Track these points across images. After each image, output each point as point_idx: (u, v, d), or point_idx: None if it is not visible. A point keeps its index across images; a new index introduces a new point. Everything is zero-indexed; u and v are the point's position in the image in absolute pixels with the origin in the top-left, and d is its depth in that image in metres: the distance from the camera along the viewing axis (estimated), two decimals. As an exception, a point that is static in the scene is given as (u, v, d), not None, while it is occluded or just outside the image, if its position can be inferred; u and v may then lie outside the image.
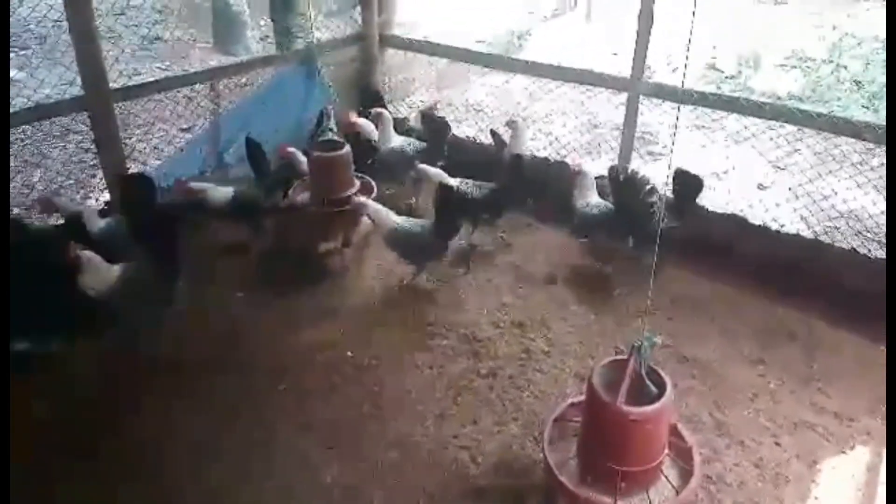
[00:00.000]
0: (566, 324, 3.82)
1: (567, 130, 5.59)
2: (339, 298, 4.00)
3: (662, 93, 4.30)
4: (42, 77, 5.14)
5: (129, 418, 3.15)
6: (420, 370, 3.47)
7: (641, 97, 4.27)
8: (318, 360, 3.52)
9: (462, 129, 5.77)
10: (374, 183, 4.49)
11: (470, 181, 4.36)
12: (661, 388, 2.30)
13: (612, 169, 4.10)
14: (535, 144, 5.32)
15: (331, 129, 4.49)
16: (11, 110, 3.56)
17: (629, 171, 4.01)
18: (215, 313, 3.88)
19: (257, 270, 4.27)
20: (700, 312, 3.90)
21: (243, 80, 4.95)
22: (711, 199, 4.70)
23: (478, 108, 6.55)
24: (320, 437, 3.07)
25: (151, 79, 4.57)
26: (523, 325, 3.79)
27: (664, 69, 7.41)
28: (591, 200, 4.20)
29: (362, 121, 4.86)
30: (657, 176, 3.93)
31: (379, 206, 3.98)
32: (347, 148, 4.16)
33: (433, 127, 4.82)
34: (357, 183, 4.33)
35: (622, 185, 3.93)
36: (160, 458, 2.97)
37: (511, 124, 4.72)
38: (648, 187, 3.79)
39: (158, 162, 4.89)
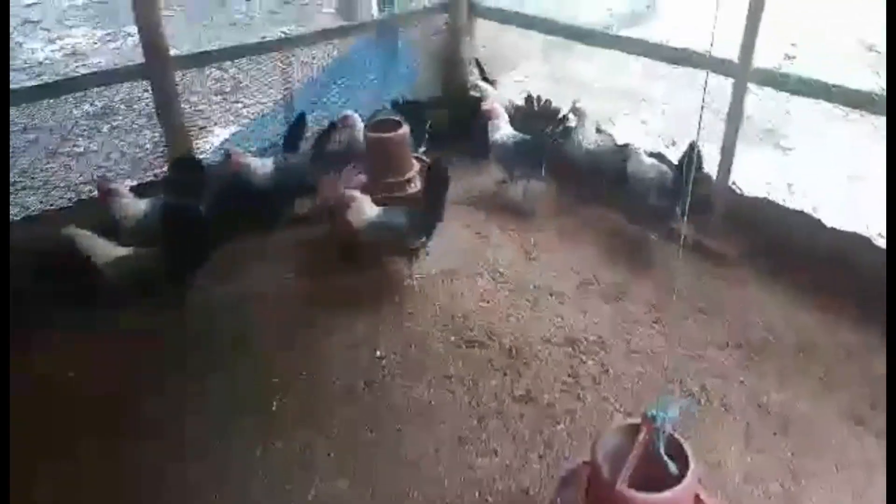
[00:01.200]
0: (628, 347, 3.31)
1: (660, 113, 4.91)
2: (380, 290, 3.75)
3: (773, 81, 3.60)
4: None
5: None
6: (449, 381, 3.16)
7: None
8: (343, 357, 3.31)
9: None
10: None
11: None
12: (683, 466, 1.82)
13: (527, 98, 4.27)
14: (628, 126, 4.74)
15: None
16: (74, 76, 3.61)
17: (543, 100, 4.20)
18: (256, 297, 3.77)
19: (306, 252, 4.12)
20: (794, 348, 3.26)
21: (321, 51, 4.75)
22: (836, 207, 3.94)
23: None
24: (329, 445, 2.86)
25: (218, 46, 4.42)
26: (576, 343, 3.34)
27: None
28: (506, 131, 4.26)
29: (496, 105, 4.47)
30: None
31: (363, 199, 3.60)
32: (405, 128, 3.85)
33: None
34: (416, 165, 4.02)
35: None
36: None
37: (576, 111, 4.25)
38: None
39: (224, 135, 4.86)
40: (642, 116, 5.52)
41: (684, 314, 3.49)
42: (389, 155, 3.86)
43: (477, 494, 2.62)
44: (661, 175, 3.87)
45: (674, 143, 4.77)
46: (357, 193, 3.60)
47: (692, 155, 3.54)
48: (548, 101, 4.25)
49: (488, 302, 3.64)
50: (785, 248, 3.74)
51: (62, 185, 4.17)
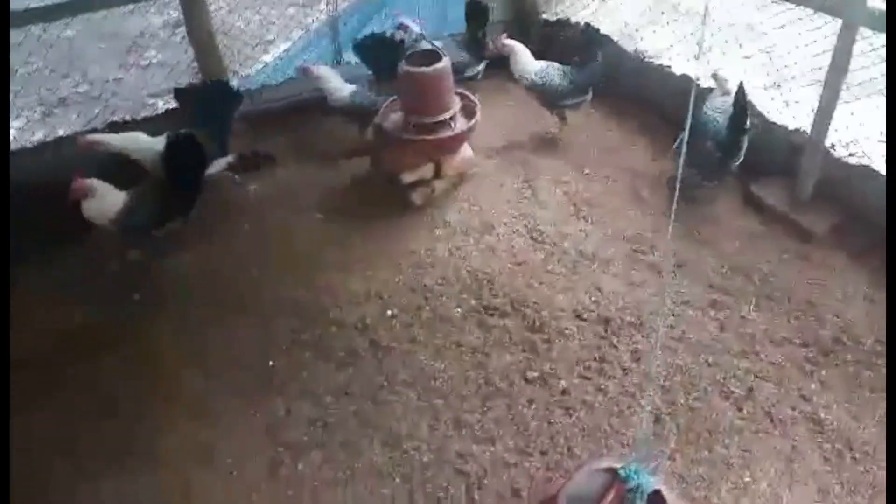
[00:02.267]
0: (671, 332, 2.88)
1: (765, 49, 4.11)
2: (405, 241, 3.47)
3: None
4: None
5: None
6: (460, 352, 2.89)
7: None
8: (352, 315, 3.10)
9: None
10: (477, 104, 3.72)
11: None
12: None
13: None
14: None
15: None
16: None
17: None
18: (282, 232, 3.61)
19: (342, 192, 3.88)
20: (870, 356, 2.70)
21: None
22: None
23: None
24: (314, 412, 2.68)
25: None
26: (610, 322, 2.94)
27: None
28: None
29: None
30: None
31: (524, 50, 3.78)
32: (445, 61, 3.41)
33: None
34: (457, 103, 3.60)
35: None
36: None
37: (715, 77, 3.61)
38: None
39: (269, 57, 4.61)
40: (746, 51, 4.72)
41: (748, 299, 3.00)
42: (424, 91, 3.46)
43: (463, 489, 2.39)
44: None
45: (776, 85, 4.03)
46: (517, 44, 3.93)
47: (741, 98, 3.09)
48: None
49: (520, 264, 3.28)
50: (884, 229, 3.09)
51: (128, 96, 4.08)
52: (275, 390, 2.78)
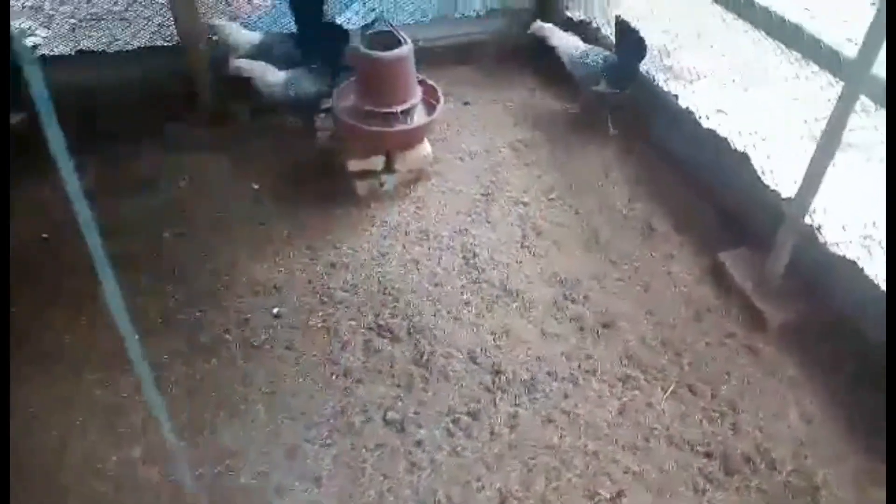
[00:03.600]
0: (564, 403, 2.53)
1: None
2: (332, 234, 3.23)
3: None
4: None
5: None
6: (332, 372, 2.63)
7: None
8: (239, 303, 2.89)
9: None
10: (440, 92, 3.39)
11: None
12: None
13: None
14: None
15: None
16: None
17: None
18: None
19: (290, 165, 3.65)
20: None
21: None
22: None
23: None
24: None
25: None
26: (501, 374, 2.61)
27: None
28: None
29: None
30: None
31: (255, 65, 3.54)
32: (406, 47, 3.07)
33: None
34: (418, 92, 3.27)
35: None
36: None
37: None
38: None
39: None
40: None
41: (665, 383, 2.59)
42: (379, 78, 3.14)
43: (261, 527, 2.19)
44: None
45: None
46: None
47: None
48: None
49: (437, 286, 2.97)
50: (849, 338, 2.61)
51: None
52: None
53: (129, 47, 4.04)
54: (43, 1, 4.80)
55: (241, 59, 3.55)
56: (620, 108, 3.81)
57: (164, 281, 2.98)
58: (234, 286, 2.97)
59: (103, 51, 4.02)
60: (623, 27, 3.54)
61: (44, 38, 4.77)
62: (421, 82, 3.36)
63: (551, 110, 4.09)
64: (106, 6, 5.52)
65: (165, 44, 4.00)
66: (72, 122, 1.50)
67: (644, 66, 3.66)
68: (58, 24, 4.62)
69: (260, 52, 3.65)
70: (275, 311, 2.87)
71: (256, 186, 3.52)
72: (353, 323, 2.82)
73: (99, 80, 3.74)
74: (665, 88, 3.67)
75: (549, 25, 3.98)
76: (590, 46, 3.83)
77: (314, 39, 3.65)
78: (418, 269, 3.07)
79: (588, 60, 3.72)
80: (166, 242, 3.19)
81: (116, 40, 4.16)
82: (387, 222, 3.31)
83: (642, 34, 3.47)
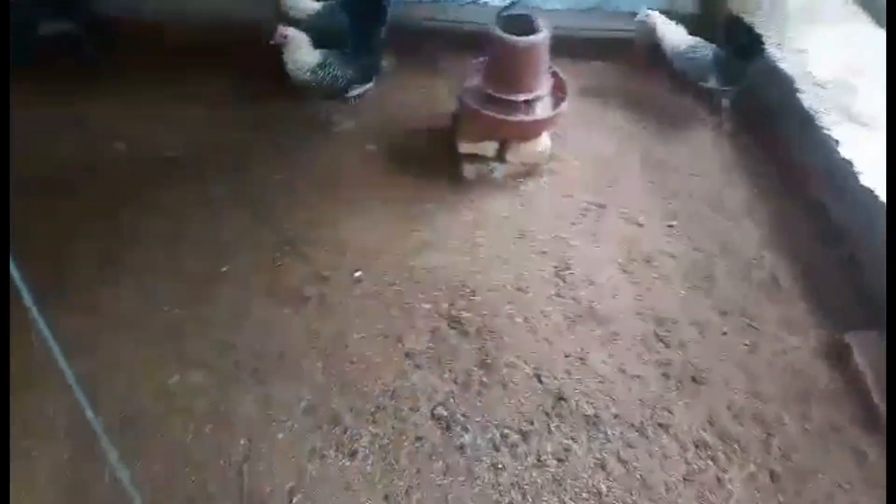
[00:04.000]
0: (623, 454, 2.31)
1: None
2: (432, 213, 3.14)
3: None
4: None
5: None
6: (397, 348, 2.57)
7: None
8: (330, 261, 2.89)
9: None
10: (568, 87, 3.20)
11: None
12: None
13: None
14: None
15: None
16: None
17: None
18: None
19: (405, 134, 3.59)
20: None
21: None
22: None
23: None
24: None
25: None
26: (564, 402, 2.42)
27: None
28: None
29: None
30: None
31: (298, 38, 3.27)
32: (542, 35, 2.87)
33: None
34: (547, 83, 3.07)
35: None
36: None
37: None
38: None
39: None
40: None
41: (744, 462, 2.30)
42: (507, 64, 2.97)
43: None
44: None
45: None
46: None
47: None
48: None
49: (520, 291, 2.81)
50: None
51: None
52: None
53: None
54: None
55: (289, 28, 3.26)
56: (734, 104, 3.62)
57: (253, 219, 3.05)
58: (322, 241, 2.97)
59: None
60: (733, 23, 3.44)
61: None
62: (552, 74, 3.16)
63: (690, 119, 3.75)
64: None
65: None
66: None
67: (808, 99, 3.25)
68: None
69: (318, 23, 3.52)
70: (356, 274, 2.83)
71: (372, 147, 3.50)
72: (427, 307, 2.73)
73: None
74: (826, 129, 3.22)
75: (656, 14, 3.70)
76: (697, 39, 3.61)
77: (359, 16, 3.49)
78: (505, 267, 2.92)
79: (695, 55, 3.53)
80: (272, 183, 3.25)
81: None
82: (485, 212, 3.18)
83: (757, 31, 3.31)
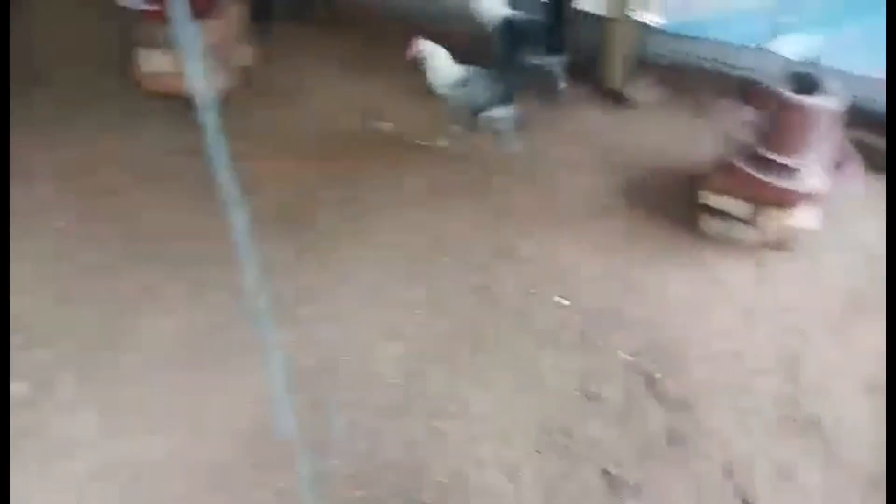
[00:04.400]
0: None
1: None
2: (657, 260, 2.95)
3: None
4: None
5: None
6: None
7: None
8: (542, 296, 2.85)
9: None
10: (857, 165, 2.77)
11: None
12: None
13: None
14: None
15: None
16: None
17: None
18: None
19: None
20: None
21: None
22: None
23: None
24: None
25: None
26: None
27: None
28: None
29: None
30: None
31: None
32: (828, 99, 2.51)
33: None
34: (827, 152, 2.69)
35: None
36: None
37: None
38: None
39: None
40: None
41: None
42: (780, 121, 2.65)
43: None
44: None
45: None
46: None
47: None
48: None
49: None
50: None
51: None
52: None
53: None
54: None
55: (426, 42, 3.16)
56: None
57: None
58: (534, 259, 2.95)
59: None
60: None
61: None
62: (839, 144, 2.76)
63: None
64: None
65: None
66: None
67: None
68: None
69: (508, 29, 3.39)
70: (564, 301, 2.76)
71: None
72: (627, 358, 2.56)
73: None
74: None
75: None
76: None
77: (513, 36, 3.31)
78: (724, 341, 2.63)
79: None
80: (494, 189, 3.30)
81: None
82: (718, 274, 2.90)
83: None
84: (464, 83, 3.22)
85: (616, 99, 3.78)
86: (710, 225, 3.02)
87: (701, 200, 3.02)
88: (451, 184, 3.31)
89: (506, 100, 3.31)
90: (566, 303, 2.75)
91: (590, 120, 3.72)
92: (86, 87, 3.79)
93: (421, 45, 3.16)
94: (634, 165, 3.43)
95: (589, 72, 3.83)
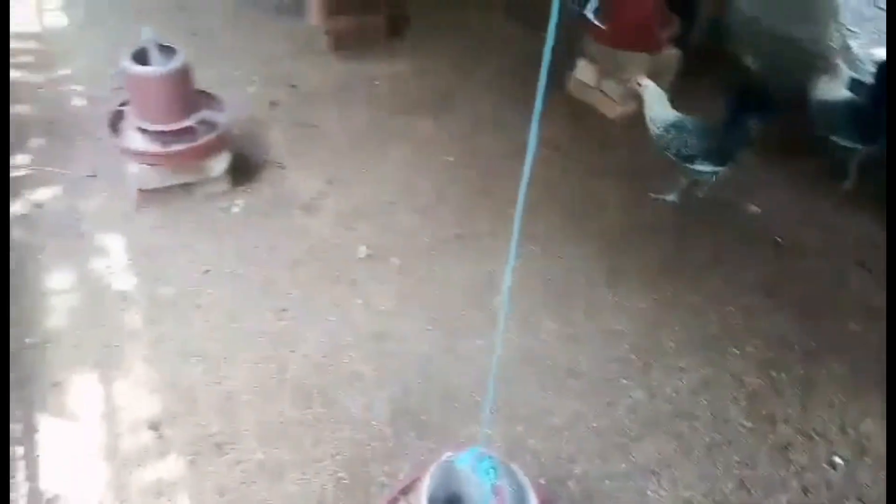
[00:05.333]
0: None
1: None
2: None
3: None
4: None
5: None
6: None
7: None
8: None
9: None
10: None
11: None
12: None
13: None
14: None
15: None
16: None
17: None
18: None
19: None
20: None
21: None
22: None
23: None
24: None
25: None
26: None
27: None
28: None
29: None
30: None
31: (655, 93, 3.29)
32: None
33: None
34: None
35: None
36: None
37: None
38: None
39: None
40: None
41: None
42: None
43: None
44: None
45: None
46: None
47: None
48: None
49: None
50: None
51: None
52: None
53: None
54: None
55: (647, 80, 3.31)
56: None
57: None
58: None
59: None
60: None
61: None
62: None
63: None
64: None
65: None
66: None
67: None
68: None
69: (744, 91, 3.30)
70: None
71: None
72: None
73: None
74: None
75: None
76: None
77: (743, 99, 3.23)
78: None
79: None
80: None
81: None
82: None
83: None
84: (674, 128, 3.26)
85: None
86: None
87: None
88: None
89: (717, 158, 3.28)
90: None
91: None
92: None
93: (642, 81, 3.32)
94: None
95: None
